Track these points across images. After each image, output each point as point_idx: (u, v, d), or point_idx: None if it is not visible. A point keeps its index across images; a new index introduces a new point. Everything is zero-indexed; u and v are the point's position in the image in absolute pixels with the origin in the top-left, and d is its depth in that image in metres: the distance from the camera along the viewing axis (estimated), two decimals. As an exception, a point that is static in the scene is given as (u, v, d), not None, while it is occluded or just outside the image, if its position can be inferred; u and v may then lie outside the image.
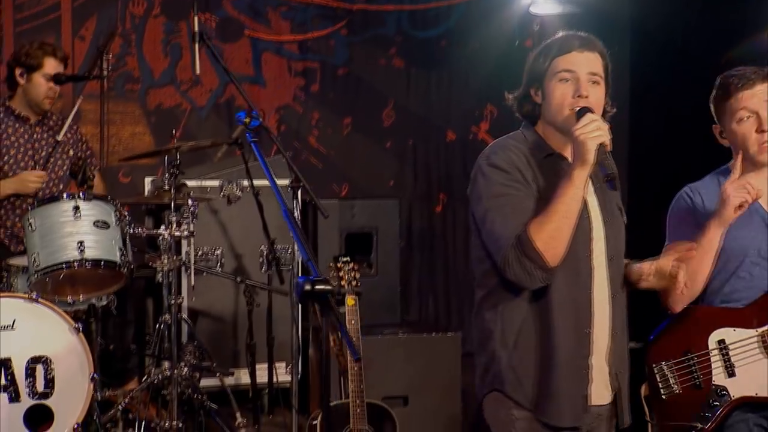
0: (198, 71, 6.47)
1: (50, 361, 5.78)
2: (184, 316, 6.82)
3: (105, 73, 6.85)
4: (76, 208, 5.97)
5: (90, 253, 5.94)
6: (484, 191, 3.80)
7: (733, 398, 4.27)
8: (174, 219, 6.26)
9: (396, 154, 8.80)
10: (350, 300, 5.68)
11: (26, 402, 5.75)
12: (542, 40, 4.03)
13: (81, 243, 5.91)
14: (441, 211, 8.94)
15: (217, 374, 6.73)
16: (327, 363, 5.70)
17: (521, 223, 3.70)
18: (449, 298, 8.92)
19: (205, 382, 6.79)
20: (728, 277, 4.34)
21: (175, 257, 6.30)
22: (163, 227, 6.31)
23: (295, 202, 6.33)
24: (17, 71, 6.56)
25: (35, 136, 6.62)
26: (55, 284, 6.09)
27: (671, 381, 4.33)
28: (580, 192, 3.67)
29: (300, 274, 7.20)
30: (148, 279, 6.70)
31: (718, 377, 4.29)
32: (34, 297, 5.77)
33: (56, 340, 5.81)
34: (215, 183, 7.04)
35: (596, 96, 3.80)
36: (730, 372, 4.29)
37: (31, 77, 6.54)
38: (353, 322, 5.65)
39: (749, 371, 4.27)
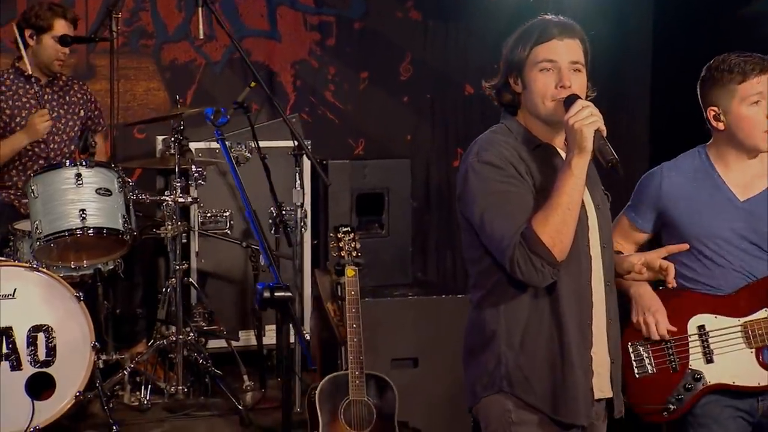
0: (201, 35, 6.31)
1: (51, 329, 5.76)
2: (192, 279, 6.72)
3: (114, 34, 6.75)
4: (78, 176, 5.92)
5: (92, 221, 5.91)
6: (478, 190, 3.62)
7: (708, 383, 4.25)
8: (178, 185, 6.16)
9: (413, 109, 8.61)
10: (350, 271, 5.56)
11: (28, 370, 5.74)
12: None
13: (83, 211, 5.89)
14: (459, 166, 8.74)
15: (224, 338, 6.65)
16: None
17: (523, 219, 3.54)
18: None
19: (214, 344, 6.73)
20: (705, 263, 4.31)
21: (179, 223, 6.21)
22: (167, 193, 6.21)
23: (297, 169, 6.18)
24: (27, 32, 6.46)
25: (45, 96, 6.54)
26: (59, 251, 6.05)
27: (646, 362, 4.30)
28: (580, 182, 3.53)
29: (311, 240, 7.13)
30: (158, 240, 6.59)
31: (696, 362, 4.27)
32: (34, 266, 5.72)
33: (57, 309, 5.78)
34: (224, 144, 6.90)
35: (579, 84, 3.64)
36: (708, 358, 4.26)
37: (41, 39, 6.45)
38: (353, 293, 5.53)
39: (728, 359, 4.25)
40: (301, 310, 6.54)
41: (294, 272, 6.31)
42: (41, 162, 6.40)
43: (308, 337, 6.58)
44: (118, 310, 6.54)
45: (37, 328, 5.73)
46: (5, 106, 6.45)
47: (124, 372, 6.19)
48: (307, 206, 6.83)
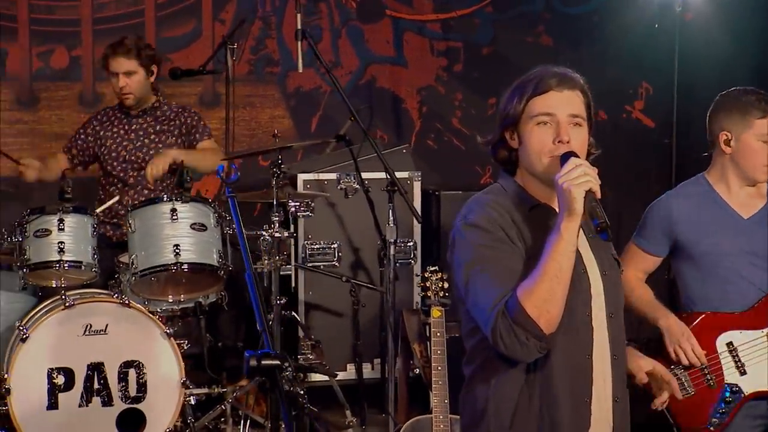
0: (301, 69, 6.10)
1: (142, 365, 5.63)
2: (298, 312, 6.51)
3: (230, 63, 6.61)
4: (173, 211, 5.78)
5: (186, 256, 5.76)
6: (463, 255, 3.27)
7: (746, 394, 4.42)
8: (276, 218, 5.95)
9: (543, 135, 8.21)
10: (436, 311, 5.26)
11: (119, 406, 5.62)
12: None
13: (177, 246, 5.73)
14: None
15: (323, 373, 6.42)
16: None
17: (509, 287, 3.15)
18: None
19: (318, 377, 6.50)
20: (718, 283, 4.48)
21: (278, 257, 5.99)
22: (266, 227, 6.01)
23: (390, 205, 5.89)
24: (106, 74, 6.51)
25: (133, 127, 6.48)
26: (156, 285, 5.91)
27: (686, 384, 4.43)
28: (571, 246, 3.12)
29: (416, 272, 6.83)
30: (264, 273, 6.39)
31: (731, 376, 4.43)
32: (125, 302, 5.59)
33: (148, 345, 5.65)
34: (332, 176, 6.67)
35: (579, 139, 3.26)
36: (742, 371, 4.43)
37: (110, 78, 6.43)
38: (438, 334, 5.21)
39: (760, 368, 4.42)
40: (395, 347, 6.22)
41: (385, 309, 6.02)
42: (128, 190, 6.31)
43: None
44: (221, 343, 6.37)
45: (128, 364, 5.61)
46: (96, 137, 6.53)
47: (222, 407, 5.99)
48: (418, 239, 6.56)
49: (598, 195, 3.12)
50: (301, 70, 6.17)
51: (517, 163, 3.38)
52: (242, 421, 6.09)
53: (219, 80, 7.59)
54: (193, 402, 5.83)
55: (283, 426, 3.01)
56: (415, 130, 8.00)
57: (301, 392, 6.10)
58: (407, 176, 6.71)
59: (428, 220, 6.89)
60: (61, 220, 5.74)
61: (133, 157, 6.42)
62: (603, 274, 3.35)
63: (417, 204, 6.64)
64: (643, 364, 3.67)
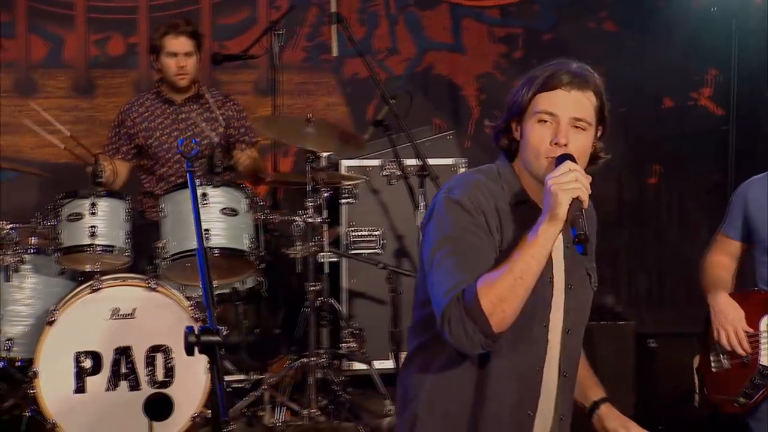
0: (336, 53, 5.96)
1: (170, 350, 5.53)
2: (340, 299, 6.38)
3: (276, 49, 6.49)
4: (204, 195, 5.66)
5: (216, 241, 5.69)
6: (437, 229, 3.08)
7: None
8: (310, 204, 5.81)
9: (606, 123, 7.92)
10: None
11: (146, 390, 5.52)
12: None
13: (207, 231, 5.59)
14: (655, 183, 8.03)
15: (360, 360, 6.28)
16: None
17: (472, 276, 2.96)
18: (662, 276, 8.01)
19: (358, 366, 6.39)
20: None
21: (310, 243, 5.84)
22: (300, 213, 5.87)
23: (421, 190, 5.71)
24: (151, 58, 6.36)
25: (181, 116, 6.34)
26: (190, 270, 5.79)
27: (722, 356, 4.49)
28: (544, 251, 2.93)
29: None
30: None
31: (766, 358, 4.39)
32: (152, 286, 5.50)
33: (175, 329, 5.52)
34: (375, 162, 6.51)
35: (579, 144, 3.06)
36: None
37: (160, 60, 6.29)
38: None
39: None
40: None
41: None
42: (179, 180, 6.19)
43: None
44: (258, 329, 6.25)
45: (155, 349, 5.52)
46: (140, 128, 6.34)
47: (255, 393, 5.89)
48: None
49: (585, 205, 2.93)
50: (335, 54, 6.02)
51: (516, 153, 3.19)
52: (279, 408, 5.96)
53: (276, 68, 7.48)
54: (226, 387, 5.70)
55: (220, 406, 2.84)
56: (473, 117, 7.79)
57: (337, 380, 5.98)
58: (452, 163, 6.52)
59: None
60: (93, 204, 5.67)
61: (188, 148, 6.30)
62: (568, 288, 3.16)
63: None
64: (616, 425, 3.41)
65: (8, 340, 5.84)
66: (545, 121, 3.06)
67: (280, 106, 6.99)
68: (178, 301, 5.55)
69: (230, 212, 5.69)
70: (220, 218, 5.68)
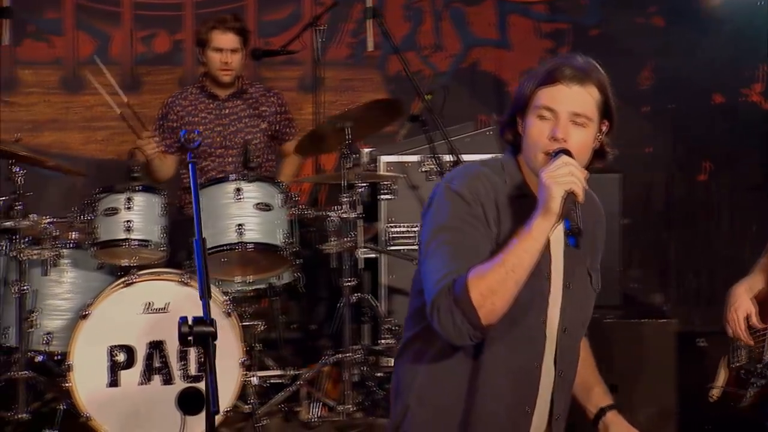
0: (371, 47, 5.93)
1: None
2: (371, 296, 6.32)
3: (317, 44, 6.47)
4: (238, 190, 5.67)
5: (249, 236, 5.67)
6: (436, 217, 3.07)
7: None
8: (346, 199, 5.77)
9: (654, 120, 7.84)
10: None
11: (179, 385, 5.52)
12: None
13: (240, 226, 5.60)
14: (705, 180, 7.88)
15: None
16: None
17: (465, 267, 2.93)
18: (712, 274, 7.86)
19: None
20: None
21: (345, 239, 5.80)
22: (335, 208, 5.83)
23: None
24: (197, 51, 6.36)
25: (224, 111, 6.33)
26: (226, 265, 5.77)
27: (740, 351, 4.50)
28: (537, 245, 2.90)
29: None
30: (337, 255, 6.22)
31: None
32: (185, 280, 5.49)
33: (208, 324, 5.47)
34: (414, 158, 6.43)
35: (578, 140, 3.02)
36: None
37: (205, 54, 6.30)
38: None
39: None
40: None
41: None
42: (219, 176, 6.19)
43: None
44: (295, 325, 6.22)
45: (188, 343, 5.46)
46: (183, 122, 6.35)
47: (293, 389, 5.85)
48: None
49: (581, 199, 2.91)
50: (370, 49, 5.98)
51: (520, 148, 3.16)
52: (315, 404, 5.93)
53: (320, 65, 7.44)
54: (255, 382, 5.69)
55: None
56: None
57: (374, 376, 5.98)
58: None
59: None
60: (129, 199, 5.68)
61: (229, 143, 6.32)
62: (566, 287, 3.12)
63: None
64: None
65: (47, 334, 5.87)
66: (544, 117, 3.04)
67: (323, 102, 6.96)
68: (211, 295, 5.51)
69: (264, 207, 5.68)
70: (254, 213, 5.66)
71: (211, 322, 2.86)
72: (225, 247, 5.62)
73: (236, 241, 5.59)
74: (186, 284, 5.50)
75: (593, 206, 3.29)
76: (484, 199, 3.03)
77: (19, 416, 5.68)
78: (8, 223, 5.72)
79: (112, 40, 7.41)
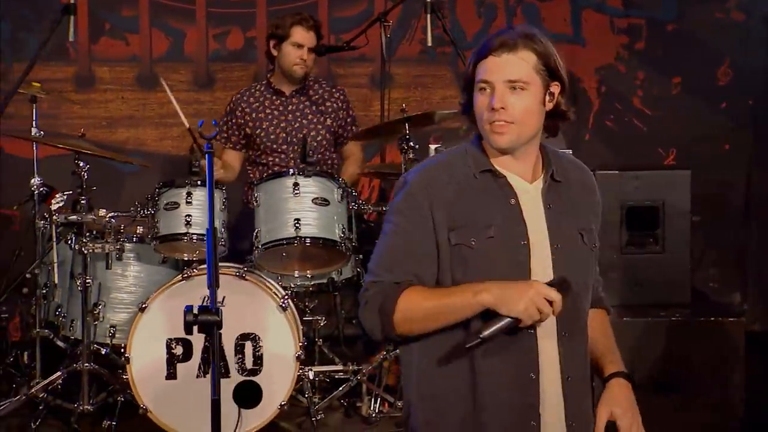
0: (429, 43, 5.86)
1: (258, 338, 5.53)
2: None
3: (383, 40, 6.44)
4: (296, 185, 5.66)
5: (306, 231, 5.65)
6: (391, 207, 3.16)
7: None
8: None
9: (732, 116, 7.64)
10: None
11: (235, 378, 5.54)
12: None
13: (298, 220, 5.59)
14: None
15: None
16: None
17: (401, 265, 3.04)
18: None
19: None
20: None
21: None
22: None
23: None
24: (271, 44, 6.36)
25: (290, 107, 6.33)
26: (285, 260, 5.77)
27: None
28: (469, 312, 2.95)
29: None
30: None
31: None
32: (241, 274, 5.51)
33: (264, 318, 5.57)
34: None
35: (518, 105, 3.01)
36: None
37: (281, 47, 6.28)
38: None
39: None
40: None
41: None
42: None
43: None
44: (355, 320, 6.17)
45: (244, 337, 5.54)
46: (249, 118, 6.35)
47: (351, 384, 5.86)
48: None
49: (525, 323, 2.92)
50: (429, 44, 5.90)
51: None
52: (376, 400, 5.90)
53: (389, 60, 7.40)
54: (311, 377, 5.68)
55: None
56: (593, 110, 7.58)
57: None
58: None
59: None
60: (189, 194, 5.71)
61: (293, 139, 6.31)
62: (555, 247, 3.08)
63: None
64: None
65: (112, 326, 5.95)
66: (484, 89, 3.05)
67: (394, 99, 6.92)
68: (267, 289, 5.54)
69: (322, 202, 5.66)
70: (311, 208, 5.64)
71: (217, 312, 2.84)
72: (282, 242, 5.61)
73: (293, 235, 5.58)
74: (242, 278, 5.52)
75: (577, 170, 3.26)
76: (433, 189, 3.04)
77: (83, 408, 5.77)
78: (73, 217, 5.80)
79: (185, 38, 7.45)
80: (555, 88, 3.09)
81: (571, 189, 3.15)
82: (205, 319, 2.90)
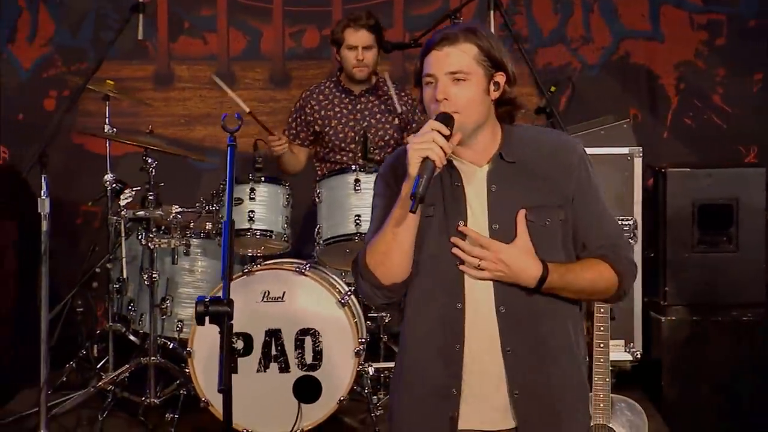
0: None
1: (318, 333, 5.54)
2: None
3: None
4: (357, 181, 5.64)
5: (366, 227, 5.54)
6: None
7: None
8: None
9: (814, 112, 7.42)
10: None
11: (295, 373, 5.59)
12: None
13: (358, 217, 5.58)
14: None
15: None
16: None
17: (369, 236, 3.33)
18: None
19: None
20: None
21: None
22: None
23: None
24: (334, 50, 6.39)
25: (358, 106, 6.32)
26: (348, 256, 5.77)
27: None
28: (406, 209, 3.08)
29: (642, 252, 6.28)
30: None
31: None
32: (301, 270, 5.52)
33: (323, 313, 5.58)
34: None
35: (461, 96, 3.15)
36: None
37: (340, 52, 6.29)
38: (602, 310, 4.95)
39: None
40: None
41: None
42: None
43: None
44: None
45: (304, 332, 5.55)
46: (318, 116, 6.34)
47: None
48: (638, 216, 6.06)
49: (439, 164, 3.03)
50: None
51: None
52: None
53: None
54: (371, 372, 5.67)
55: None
56: (672, 107, 7.43)
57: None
58: (627, 152, 6.19)
59: (654, 198, 6.35)
60: (252, 190, 5.74)
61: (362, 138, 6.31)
62: (492, 228, 3.18)
63: (638, 181, 6.10)
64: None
65: (179, 321, 6.03)
66: (430, 82, 3.17)
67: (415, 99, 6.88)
68: (326, 285, 5.54)
69: (383, 199, 5.61)
70: (372, 205, 5.61)
71: (228, 303, 2.86)
72: (343, 238, 5.60)
73: (354, 231, 5.56)
74: (302, 274, 5.54)
75: (546, 145, 3.29)
76: (399, 172, 3.17)
77: (150, 401, 5.84)
78: (141, 213, 5.87)
79: (262, 37, 7.49)
80: (500, 78, 3.19)
81: (527, 167, 3.20)
82: (216, 309, 2.89)
